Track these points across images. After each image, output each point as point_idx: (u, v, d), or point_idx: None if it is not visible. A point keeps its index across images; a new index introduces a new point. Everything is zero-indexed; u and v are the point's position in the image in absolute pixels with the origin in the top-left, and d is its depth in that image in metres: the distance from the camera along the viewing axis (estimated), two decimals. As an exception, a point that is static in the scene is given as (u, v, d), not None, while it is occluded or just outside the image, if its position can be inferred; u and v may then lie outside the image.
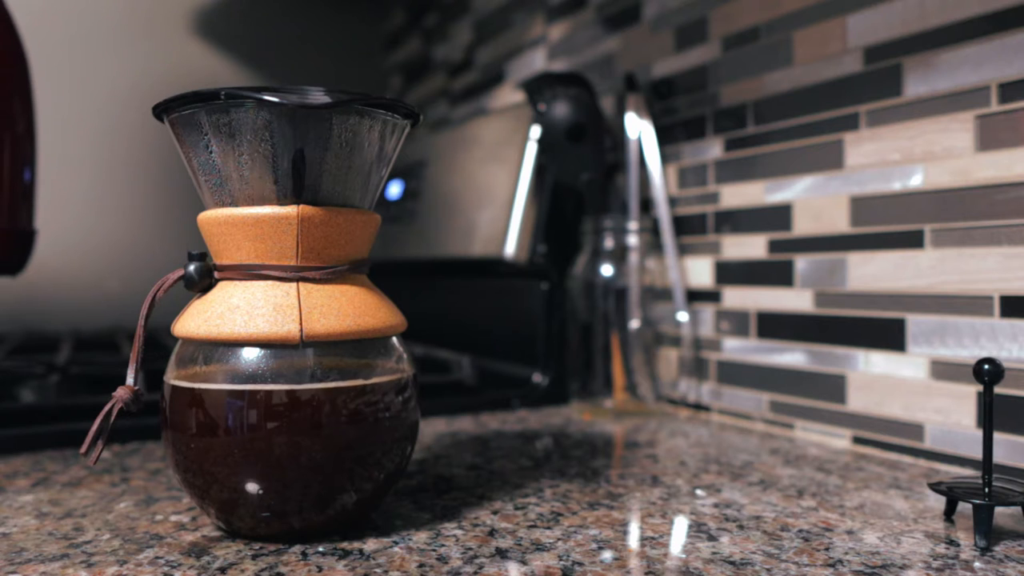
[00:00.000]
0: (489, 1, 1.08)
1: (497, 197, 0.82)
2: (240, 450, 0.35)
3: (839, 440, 0.59)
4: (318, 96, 0.35)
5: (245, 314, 0.36)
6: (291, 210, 0.37)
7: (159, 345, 0.99)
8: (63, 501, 0.44)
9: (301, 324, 0.36)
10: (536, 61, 0.98)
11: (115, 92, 1.20)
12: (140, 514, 0.42)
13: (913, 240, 0.54)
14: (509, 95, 1.04)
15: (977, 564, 0.35)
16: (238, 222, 0.37)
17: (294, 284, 0.37)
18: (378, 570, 0.34)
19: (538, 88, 0.75)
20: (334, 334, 0.37)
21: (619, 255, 0.73)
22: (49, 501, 0.45)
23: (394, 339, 0.40)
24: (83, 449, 0.35)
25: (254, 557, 0.36)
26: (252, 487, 0.36)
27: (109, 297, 1.19)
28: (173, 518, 0.41)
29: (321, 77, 1.37)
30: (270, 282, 0.37)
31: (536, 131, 0.78)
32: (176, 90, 1.27)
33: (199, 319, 0.37)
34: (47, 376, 0.67)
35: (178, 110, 0.37)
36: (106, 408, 0.36)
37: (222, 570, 0.34)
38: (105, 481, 0.49)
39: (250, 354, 0.36)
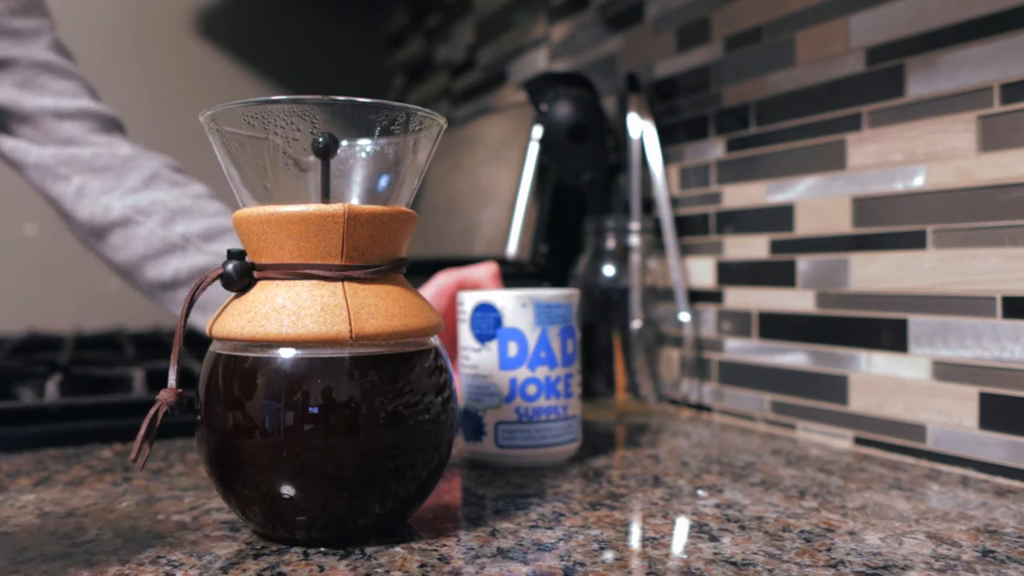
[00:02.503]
0: (491, 1, 1.08)
1: (499, 197, 0.82)
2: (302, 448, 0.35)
3: (841, 441, 0.59)
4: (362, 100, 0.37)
5: (292, 314, 0.36)
6: (338, 208, 0.36)
7: (163, 344, 0.99)
8: (65, 500, 0.45)
9: (351, 324, 0.36)
10: (538, 61, 0.98)
11: (116, 92, 1.20)
12: (142, 513, 0.42)
13: (915, 241, 0.54)
14: (511, 95, 1.04)
15: (978, 565, 0.35)
16: (282, 220, 0.37)
17: (339, 284, 0.37)
18: (379, 570, 0.34)
19: (540, 88, 0.75)
20: (383, 335, 0.36)
21: (621, 255, 0.73)
22: (51, 500, 0.45)
23: (434, 339, 0.40)
24: (132, 456, 0.35)
25: (255, 557, 0.36)
26: (287, 490, 0.36)
27: (110, 297, 1.19)
28: (175, 518, 0.41)
29: (323, 77, 1.37)
30: (315, 281, 0.37)
31: (538, 131, 0.78)
32: (178, 90, 1.27)
33: (242, 319, 0.37)
34: (48, 376, 0.67)
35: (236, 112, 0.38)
36: (152, 411, 0.36)
37: (224, 570, 0.34)
38: (107, 481, 0.49)
39: (294, 354, 0.36)
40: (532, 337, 0.51)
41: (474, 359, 0.52)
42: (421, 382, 0.38)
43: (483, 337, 0.51)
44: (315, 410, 0.35)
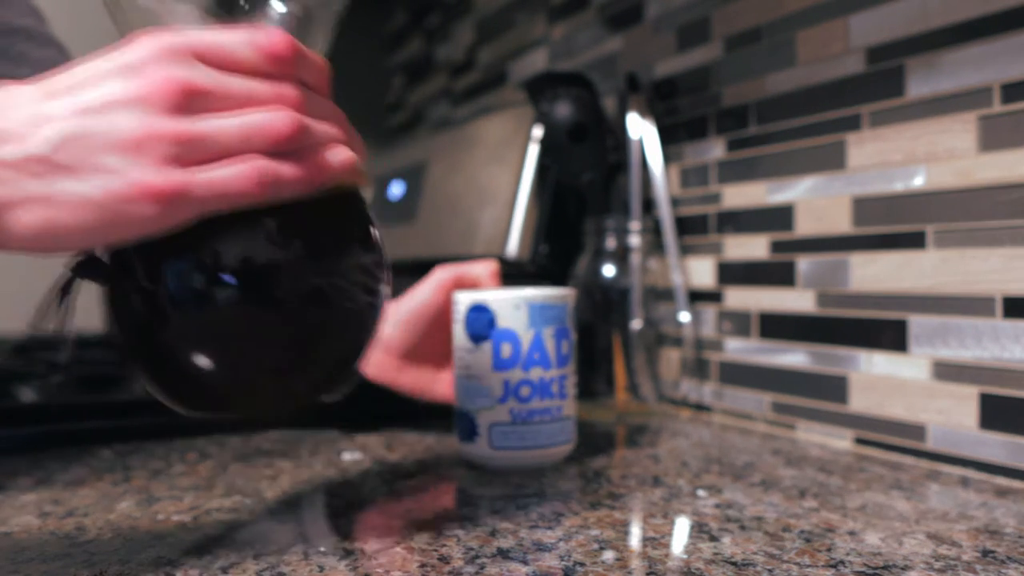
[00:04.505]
0: (491, 1, 1.08)
1: (499, 197, 0.82)
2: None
3: (841, 441, 0.59)
4: None
5: None
6: None
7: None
8: (65, 500, 0.45)
9: None
10: (538, 61, 0.98)
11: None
12: (142, 513, 0.42)
13: (915, 241, 0.54)
14: (511, 95, 1.04)
15: (978, 565, 0.35)
16: None
17: None
18: (379, 570, 0.34)
19: (540, 88, 0.75)
20: None
21: (621, 255, 0.73)
22: (51, 500, 0.45)
23: None
24: (40, 319, 0.32)
25: (256, 557, 0.36)
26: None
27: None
28: (175, 518, 0.41)
29: (323, 77, 1.37)
30: None
31: (538, 131, 0.78)
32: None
33: None
34: (49, 375, 0.67)
35: None
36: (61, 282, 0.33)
37: (224, 569, 0.34)
38: (107, 480, 0.49)
39: None
40: (526, 338, 0.50)
41: (468, 360, 0.52)
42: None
43: (477, 338, 0.51)
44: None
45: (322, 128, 0.34)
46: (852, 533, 0.39)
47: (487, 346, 0.51)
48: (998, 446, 0.49)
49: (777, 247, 0.64)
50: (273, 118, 0.32)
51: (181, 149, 0.30)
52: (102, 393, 0.69)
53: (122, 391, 0.70)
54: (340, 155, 0.34)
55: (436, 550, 0.37)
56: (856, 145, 0.58)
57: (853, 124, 0.58)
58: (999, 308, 0.49)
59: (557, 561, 0.35)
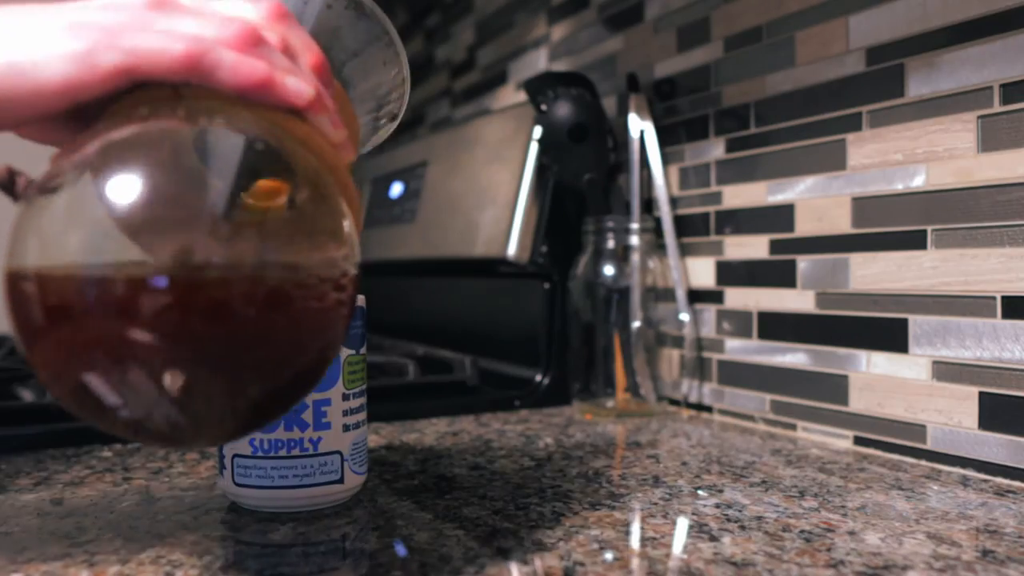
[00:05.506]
0: (491, 1, 1.08)
1: (499, 197, 0.82)
2: None
3: (841, 441, 0.59)
4: None
5: None
6: None
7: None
8: (65, 500, 0.45)
9: None
10: (538, 61, 0.98)
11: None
12: (142, 513, 0.42)
13: (915, 241, 0.54)
14: (511, 95, 1.04)
15: (978, 565, 0.35)
16: None
17: None
18: (379, 570, 0.34)
19: (540, 88, 0.75)
20: None
21: (621, 255, 0.73)
22: (51, 500, 0.45)
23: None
24: None
25: (256, 557, 0.36)
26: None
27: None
28: (175, 517, 0.41)
29: (323, 77, 1.37)
30: None
31: (538, 131, 0.78)
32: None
33: None
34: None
35: None
36: None
37: (224, 569, 0.34)
38: (107, 480, 0.49)
39: None
40: None
41: None
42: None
43: None
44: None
45: (284, 59, 0.32)
46: (852, 533, 0.39)
47: None
48: (998, 446, 0.49)
49: (777, 247, 0.64)
50: (231, 20, 0.31)
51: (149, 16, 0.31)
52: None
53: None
54: (298, 84, 0.31)
55: (436, 550, 0.37)
56: (856, 145, 0.58)
57: (853, 124, 0.58)
58: (999, 308, 0.49)
59: (557, 561, 0.35)
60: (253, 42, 0.31)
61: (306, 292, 0.28)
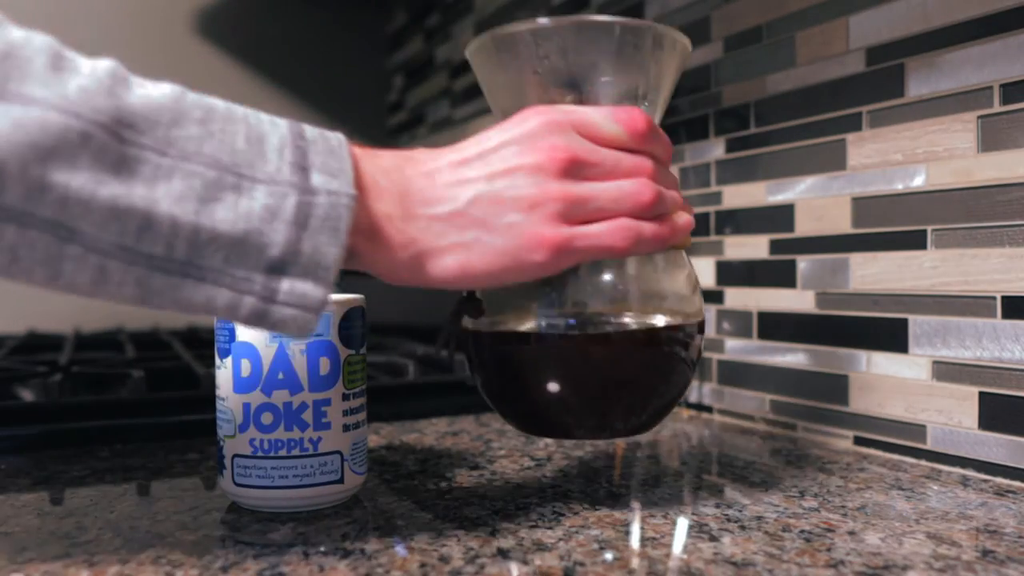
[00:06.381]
0: (491, 1, 1.08)
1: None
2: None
3: (841, 441, 0.59)
4: None
5: None
6: None
7: (163, 344, 0.99)
8: (65, 500, 0.45)
9: None
10: (538, 61, 0.97)
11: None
12: (142, 513, 0.42)
13: (915, 241, 0.54)
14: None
15: (978, 565, 0.35)
16: None
17: None
18: (379, 570, 0.34)
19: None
20: None
21: (621, 255, 0.73)
22: (51, 500, 0.45)
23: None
24: (438, 347, 0.45)
25: (256, 557, 0.36)
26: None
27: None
28: (175, 517, 0.41)
29: (323, 77, 1.37)
30: None
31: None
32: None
33: None
34: (49, 375, 0.67)
35: None
36: None
37: (224, 569, 0.34)
38: (107, 480, 0.49)
39: None
40: (266, 354, 0.41)
41: (218, 377, 0.44)
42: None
43: (222, 352, 0.43)
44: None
45: (671, 195, 0.40)
46: (852, 533, 0.39)
47: (229, 362, 0.42)
48: (998, 446, 0.49)
49: (777, 247, 0.64)
50: (639, 186, 0.38)
51: (567, 208, 0.36)
52: (102, 393, 0.69)
53: (122, 391, 0.70)
54: (683, 219, 0.41)
55: (436, 550, 0.37)
56: (856, 145, 0.58)
57: (853, 124, 0.58)
58: (999, 308, 0.49)
59: (557, 561, 0.35)
60: (659, 202, 0.39)
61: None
